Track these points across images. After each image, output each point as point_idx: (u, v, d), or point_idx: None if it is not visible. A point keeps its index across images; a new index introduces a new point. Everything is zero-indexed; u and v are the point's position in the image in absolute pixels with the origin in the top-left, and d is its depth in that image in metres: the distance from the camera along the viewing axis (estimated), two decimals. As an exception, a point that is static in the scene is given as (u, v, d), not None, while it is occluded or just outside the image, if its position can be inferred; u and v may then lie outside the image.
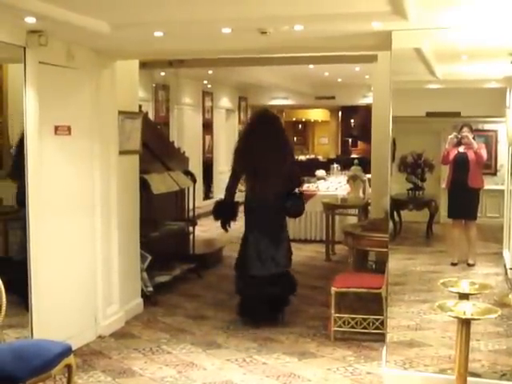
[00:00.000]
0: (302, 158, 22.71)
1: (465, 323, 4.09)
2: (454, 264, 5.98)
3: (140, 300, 7.08)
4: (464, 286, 4.55)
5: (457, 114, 5.93)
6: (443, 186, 6.12)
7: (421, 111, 5.94)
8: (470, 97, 5.83)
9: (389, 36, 4.92)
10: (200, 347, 5.92)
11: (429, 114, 6.00)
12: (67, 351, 4.16)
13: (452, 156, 5.92)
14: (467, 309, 4.08)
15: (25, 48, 4.93)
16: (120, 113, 6.47)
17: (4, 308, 4.23)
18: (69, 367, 4.20)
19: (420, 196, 6.30)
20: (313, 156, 23.37)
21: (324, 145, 25.05)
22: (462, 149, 5.87)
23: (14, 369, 3.77)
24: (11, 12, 4.37)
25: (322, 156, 23.27)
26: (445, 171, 6.06)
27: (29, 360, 3.89)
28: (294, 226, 11.28)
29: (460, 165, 5.91)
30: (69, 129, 5.66)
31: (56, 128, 5.49)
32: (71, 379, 4.26)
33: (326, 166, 16.68)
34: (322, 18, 4.63)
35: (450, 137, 5.87)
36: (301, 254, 10.37)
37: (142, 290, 7.18)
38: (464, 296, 4.51)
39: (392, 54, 5.07)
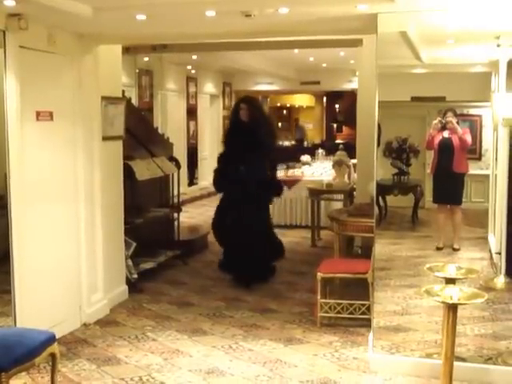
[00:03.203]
0: (286, 143, 22.70)
1: (452, 308, 4.08)
2: (439, 249, 5.99)
3: (125, 287, 7.03)
4: (450, 271, 4.55)
5: (442, 99, 5.92)
6: (428, 171, 6.12)
7: (406, 96, 5.93)
8: (455, 81, 5.83)
9: (374, 19, 4.87)
10: (185, 334, 5.89)
11: (414, 99, 5.99)
12: (51, 339, 4.13)
13: (436, 141, 5.92)
14: (454, 293, 4.07)
15: (4, 32, 4.84)
16: (103, 98, 6.39)
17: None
18: (53, 355, 4.17)
19: (405, 181, 6.29)
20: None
21: (309, 130, 25.03)
22: (446, 134, 5.86)
23: (-3, 358, 3.73)
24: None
25: (306, 141, 23.26)
26: (430, 156, 6.05)
27: (12, 349, 3.84)
28: (279, 212, 11.32)
29: (444, 150, 5.91)
30: (51, 114, 5.57)
31: (38, 113, 5.40)
32: (55, 368, 4.23)
33: (311, 151, 16.64)
34: (307, 0, 4.57)
35: (434, 122, 5.87)
36: (286, 239, 10.30)
37: (127, 277, 7.13)
38: (450, 281, 4.51)
39: (377, 38, 5.02)
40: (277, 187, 7.84)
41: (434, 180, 6.08)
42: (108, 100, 6.50)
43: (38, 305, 5.29)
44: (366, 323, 5.68)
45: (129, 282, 7.15)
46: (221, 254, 7.80)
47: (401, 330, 5.47)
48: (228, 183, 7.46)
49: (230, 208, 7.43)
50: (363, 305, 5.86)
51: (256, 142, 7.24)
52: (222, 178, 7.59)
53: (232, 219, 7.36)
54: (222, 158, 7.71)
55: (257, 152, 7.28)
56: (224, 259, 7.70)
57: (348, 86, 18.97)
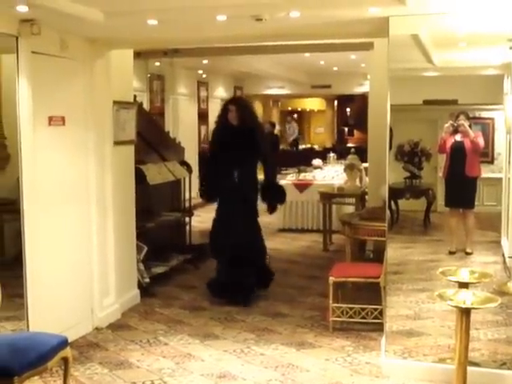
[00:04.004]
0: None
1: (465, 312, 4.06)
2: (451, 253, 5.95)
3: (136, 291, 7.04)
4: (464, 275, 4.52)
5: (454, 102, 5.88)
6: (440, 174, 6.08)
7: (418, 99, 5.90)
8: (468, 84, 5.79)
9: (386, 22, 4.86)
10: (197, 338, 5.88)
11: (426, 102, 5.95)
12: (63, 343, 4.14)
13: (448, 144, 5.88)
14: (467, 298, 4.05)
15: (17, 37, 4.87)
16: (115, 103, 6.41)
17: (0, 301, 4.18)
18: (65, 359, 4.18)
19: (417, 185, 6.26)
20: (309, 145, 23.32)
21: (320, 134, 25.00)
22: (458, 137, 5.83)
23: (10, 362, 3.74)
24: (2, 0, 4.29)
25: (318, 145, 23.23)
26: (442, 160, 6.02)
27: (25, 353, 3.86)
28: (290, 216, 11.31)
29: (457, 153, 5.87)
30: (63, 119, 5.59)
31: (50, 118, 5.42)
32: (68, 372, 4.25)
33: (322, 155, 16.62)
34: (319, 3, 4.57)
35: (445, 125, 5.83)
36: (298, 243, 10.38)
37: (139, 281, 7.14)
38: (464, 285, 4.48)
39: (389, 41, 5.01)
40: (280, 193, 7.29)
41: (447, 184, 6.04)
42: (120, 105, 6.51)
43: (51, 309, 5.30)
44: (379, 327, 5.65)
45: (141, 286, 7.15)
46: (214, 272, 7.23)
47: (413, 334, 5.43)
48: (221, 192, 6.94)
49: (227, 219, 6.88)
50: (375, 309, 5.84)
51: (249, 146, 6.74)
52: (211, 186, 7.05)
53: (230, 230, 6.83)
54: (208, 165, 7.21)
55: (250, 157, 6.85)
56: (217, 277, 7.08)
57: (359, 90, 18.97)
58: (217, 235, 7.01)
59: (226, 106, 6.98)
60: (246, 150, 6.73)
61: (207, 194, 7.20)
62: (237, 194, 6.80)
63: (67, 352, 4.17)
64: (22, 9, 4.48)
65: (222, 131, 6.98)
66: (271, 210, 7.27)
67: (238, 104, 6.95)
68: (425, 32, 5.15)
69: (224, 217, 6.95)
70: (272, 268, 7.44)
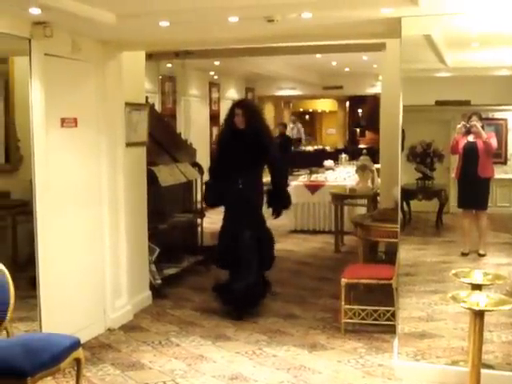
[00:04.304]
0: (309, 148, 22.67)
1: (478, 315, 4.03)
2: (464, 254, 5.91)
3: (148, 292, 7.05)
4: (477, 277, 4.49)
5: (467, 103, 5.85)
6: (453, 175, 6.05)
7: (430, 100, 5.87)
8: (480, 85, 5.76)
9: (398, 22, 4.85)
10: (209, 340, 5.88)
11: (438, 103, 5.93)
12: (76, 344, 4.15)
13: (461, 145, 5.85)
14: (481, 300, 4.02)
15: (30, 40, 4.90)
16: (127, 104, 6.43)
17: (13, 302, 4.19)
18: (78, 360, 4.20)
19: (429, 186, 6.24)
20: (320, 147, 23.30)
21: (331, 135, 24.99)
22: (471, 138, 5.79)
23: (23, 362, 3.76)
24: (15, 3, 4.31)
25: (329, 146, 23.20)
26: (454, 161, 5.99)
27: (38, 354, 3.87)
28: (302, 217, 11.30)
29: (469, 154, 5.84)
30: (75, 121, 5.61)
31: (62, 120, 5.45)
32: (80, 372, 4.26)
33: (334, 156, 16.59)
34: (331, 4, 4.56)
35: (458, 126, 5.80)
36: (309, 245, 10.36)
37: (151, 283, 7.15)
38: (477, 287, 4.46)
39: (401, 42, 5.00)
40: (285, 199, 7.02)
41: (459, 185, 6.01)
42: (131, 106, 6.53)
43: (63, 310, 5.32)
44: (391, 329, 5.63)
45: (153, 287, 7.17)
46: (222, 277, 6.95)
47: (426, 336, 5.41)
48: (226, 199, 6.69)
49: (233, 228, 6.60)
50: (388, 311, 5.82)
51: (255, 151, 6.48)
52: (214, 192, 6.81)
53: (238, 239, 6.53)
54: (213, 171, 6.88)
55: (255, 163, 6.59)
56: (226, 283, 6.75)
57: (371, 91, 18.92)
58: (224, 248, 6.71)
59: (232, 110, 6.69)
60: (252, 156, 6.49)
61: (210, 200, 7.03)
62: (241, 200, 6.53)
63: (80, 353, 4.19)
64: (35, 11, 4.50)
65: (227, 135, 6.72)
66: (276, 214, 7.00)
67: (245, 107, 6.68)
68: (437, 32, 5.13)
69: (229, 226, 6.67)
70: (269, 278, 7.05)
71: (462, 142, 5.83)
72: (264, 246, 6.70)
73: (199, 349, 5.66)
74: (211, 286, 6.95)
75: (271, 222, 7.05)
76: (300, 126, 22.40)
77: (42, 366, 3.82)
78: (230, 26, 5.21)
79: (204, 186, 7.11)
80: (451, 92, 5.82)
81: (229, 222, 6.70)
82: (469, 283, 4.53)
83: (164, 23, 5.11)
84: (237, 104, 6.77)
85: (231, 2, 4.56)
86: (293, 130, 21.25)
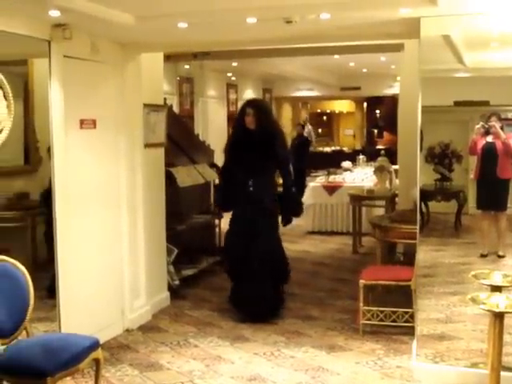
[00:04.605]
0: (327, 149, 22.64)
1: (498, 316, 4.00)
2: (483, 255, 5.87)
3: (167, 293, 7.07)
4: (497, 278, 4.46)
5: (485, 103, 5.81)
6: (471, 176, 6.02)
7: (448, 100, 5.84)
8: (499, 85, 5.71)
9: (417, 23, 4.83)
10: (227, 341, 5.88)
11: (457, 103, 5.89)
12: (95, 345, 4.17)
13: (480, 146, 5.81)
14: (500, 302, 3.99)
15: (49, 42, 4.93)
16: (145, 106, 6.45)
17: (32, 302, 4.22)
18: (97, 361, 4.21)
19: (448, 187, 6.20)
20: (338, 148, 23.26)
21: (349, 136, 24.93)
22: (490, 138, 5.75)
23: (43, 363, 3.79)
24: (35, 5, 4.34)
25: (347, 147, 23.16)
26: (473, 161, 5.95)
27: (57, 354, 3.90)
28: (319, 218, 11.29)
29: (488, 155, 5.80)
30: (94, 122, 5.64)
31: (81, 122, 5.48)
32: (99, 373, 4.28)
33: (352, 157, 16.55)
34: (350, 5, 4.56)
35: (476, 126, 5.76)
36: (327, 246, 10.35)
37: (169, 284, 7.17)
38: (496, 288, 4.42)
39: (420, 42, 4.97)
40: (296, 205, 6.79)
41: (478, 186, 5.97)
42: (150, 107, 6.55)
43: (82, 310, 5.35)
44: (409, 331, 5.61)
45: (171, 288, 7.19)
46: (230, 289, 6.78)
47: (445, 338, 5.37)
48: (236, 202, 6.52)
49: (242, 233, 6.41)
50: (406, 312, 5.79)
51: (266, 153, 6.32)
52: (225, 195, 6.69)
53: (246, 244, 6.37)
54: (224, 173, 6.78)
55: (267, 165, 6.40)
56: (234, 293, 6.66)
57: (389, 91, 18.86)
58: (231, 252, 6.62)
59: (243, 109, 6.53)
60: (263, 157, 6.32)
61: (221, 203, 6.93)
62: (252, 203, 6.35)
63: (99, 353, 4.20)
64: (54, 13, 4.53)
65: (238, 135, 6.58)
66: (285, 221, 6.72)
67: (256, 107, 6.49)
68: (456, 32, 5.10)
69: (237, 230, 6.50)
70: (285, 293, 6.84)
71: (481, 143, 5.79)
72: (276, 256, 6.49)
73: (217, 350, 5.67)
74: (226, 298, 6.80)
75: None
76: (310, 127, 22.30)
77: (61, 366, 3.85)
78: (248, 27, 5.21)
79: (217, 192, 6.98)
80: (470, 92, 5.79)
81: (236, 225, 6.53)
82: (488, 285, 4.50)
83: (182, 24, 5.13)
84: (248, 104, 6.62)
85: (250, 3, 4.58)
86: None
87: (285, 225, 6.75)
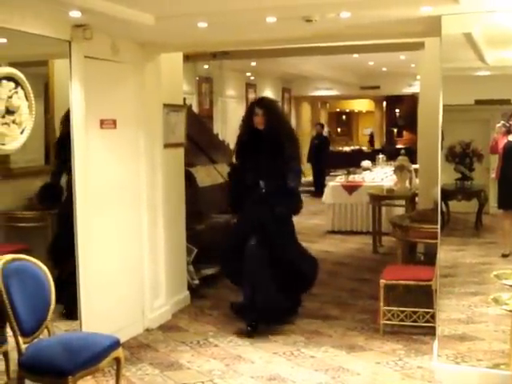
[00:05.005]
0: (346, 149, 22.59)
1: (521, 317, 3.96)
2: (505, 255, 5.82)
3: (186, 293, 7.09)
4: (519, 279, 4.42)
5: (507, 102, 5.75)
6: (493, 175, 5.96)
7: (469, 99, 5.79)
8: (522, 83, 5.66)
9: (438, 21, 4.79)
10: (247, 340, 5.88)
11: (478, 102, 5.84)
12: (116, 344, 4.19)
13: (501, 145, 5.76)
14: (523, 302, 3.96)
15: (70, 42, 4.95)
16: (165, 106, 6.47)
17: (54, 301, 4.24)
18: (117, 360, 4.23)
19: (469, 186, 6.15)
20: (357, 147, 23.21)
21: (368, 135, 24.85)
22: (511, 137, 5.71)
23: (64, 361, 3.81)
24: (56, 6, 4.37)
25: (366, 147, 23.09)
26: (494, 161, 5.90)
27: (78, 353, 3.91)
28: (339, 217, 11.27)
29: (510, 154, 5.75)
30: (114, 122, 5.67)
31: (102, 122, 5.50)
32: (120, 372, 4.29)
33: (371, 156, 16.50)
34: (370, 3, 4.54)
35: (497, 125, 5.72)
36: (347, 246, 10.32)
37: (189, 283, 7.18)
38: (519, 289, 4.39)
39: (441, 40, 4.93)
40: (293, 200, 6.23)
41: (499, 185, 5.92)
42: (169, 107, 6.57)
43: (103, 309, 5.37)
44: (430, 331, 5.57)
45: (190, 287, 7.20)
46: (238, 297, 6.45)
47: (466, 338, 5.33)
48: (245, 202, 6.20)
49: (247, 235, 6.07)
50: (427, 312, 5.75)
51: (277, 153, 6.03)
52: (237, 197, 6.34)
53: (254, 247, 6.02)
54: (232, 174, 6.54)
55: (278, 165, 6.05)
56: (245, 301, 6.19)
57: (408, 90, 18.79)
58: (230, 254, 6.27)
59: (251, 109, 6.26)
60: (274, 158, 6.03)
61: (233, 206, 6.58)
62: (263, 205, 6.04)
63: (119, 352, 4.22)
64: (75, 14, 4.55)
65: (247, 136, 6.26)
66: (276, 212, 6.08)
67: (266, 106, 6.20)
68: (478, 30, 5.05)
69: (242, 231, 6.17)
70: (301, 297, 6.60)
71: (502, 142, 5.74)
72: (295, 263, 6.21)
73: (237, 349, 5.67)
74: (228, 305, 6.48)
75: (307, 222, 6.99)
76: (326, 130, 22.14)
77: (82, 365, 3.87)
78: (267, 27, 5.21)
79: (228, 194, 6.59)
80: (491, 91, 5.73)
81: (242, 227, 6.25)
82: (510, 285, 4.46)
83: (202, 24, 5.13)
84: (257, 103, 6.35)
85: (270, 2, 4.57)
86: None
87: (273, 213, 6.07)
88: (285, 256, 6.13)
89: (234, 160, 6.59)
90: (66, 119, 5.60)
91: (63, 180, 5.75)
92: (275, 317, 6.17)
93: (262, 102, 6.35)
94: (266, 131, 6.12)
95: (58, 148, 5.95)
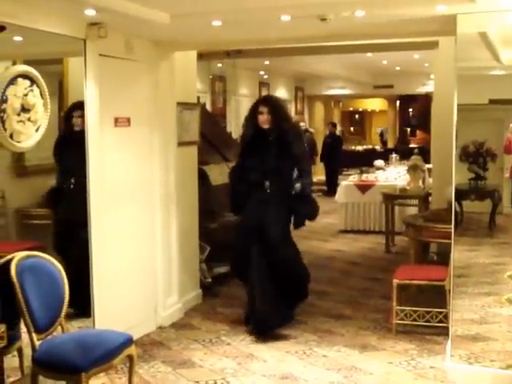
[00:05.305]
0: (359, 148, 22.55)
1: (535, 318, 3.95)
2: (518, 256, 5.82)
3: (199, 291, 7.10)
4: (533, 279, 4.40)
5: (522, 101, 5.75)
6: (506, 175, 5.95)
7: (483, 98, 5.78)
8: (537, 83, 5.65)
9: (453, 20, 4.77)
10: (259, 339, 5.88)
11: (492, 102, 5.83)
12: (129, 341, 4.20)
13: (515, 145, 5.76)
14: (537, 303, 3.94)
15: (85, 40, 4.97)
16: (178, 104, 6.48)
17: (67, 298, 4.27)
18: (130, 357, 4.24)
19: (482, 186, 6.14)
20: (370, 146, 23.16)
21: (379, 134, 24.80)
22: (525, 137, 5.70)
23: (77, 358, 3.83)
24: (72, 5, 4.39)
25: (379, 146, 23.04)
26: (508, 160, 5.89)
27: (91, 350, 3.93)
28: (352, 217, 11.25)
29: (524, 154, 5.75)
30: (128, 120, 5.68)
31: (116, 120, 5.52)
32: (132, 369, 4.31)
33: (384, 156, 16.47)
34: (385, 2, 4.53)
35: (511, 125, 5.70)
36: (359, 245, 10.30)
37: (201, 281, 7.19)
38: (533, 289, 4.37)
39: (457, 39, 4.91)
40: (310, 204, 6.08)
41: (514, 185, 5.92)
42: (183, 106, 6.58)
43: (116, 307, 5.39)
44: (443, 331, 5.55)
45: (203, 285, 7.21)
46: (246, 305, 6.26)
47: (479, 339, 5.31)
48: (249, 203, 6.02)
49: (252, 236, 5.92)
50: (440, 312, 5.73)
51: (283, 152, 5.87)
52: (239, 199, 6.14)
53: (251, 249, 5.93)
54: (235, 173, 6.27)
55: (284, 165, 5.91)
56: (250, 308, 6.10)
57: (422, 90, 18.73)
58: (238, 256, 6.15)
59: (256, 107, 6.03)
60: (280, 157, 5.86)
61: (234, 207, 6.35)
62: (267, 205, 5.87)
63: (132, 350, 4.23)
64: (90, 12, 4.57)
65: (251, 136, 6.03)
66: (297, 224, 6.09)
67: (271, 104, 5.99)
68: (493, 29, 5.03)
69: (246, 233, 6.01)
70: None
71: (516, 142, 5.73)
72: (291, 269, 6.01)
73: (249, 348, 5.67)
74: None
75: (319, 221, 6.96)
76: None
77: (95, 361, 3.88)
78: (282, 25, 5.21)
79: (231, 195, 6.33)
80: (506, 90, 5.72)
81: (245, 229, 6.05)
82: (525, 286, 4.45)
83: (216, 23, 5.13)
84: (261, 101, 6.16)
85: (284, 1, 4.56)
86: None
87: (296, 227, 6.14)
88: (282, 255, 5.90)
89: (237, 160, 6.34)
90: (67, 118, 5.62)
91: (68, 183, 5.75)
92: (268, 329, 5.93)
93: (267, 100, 6.22)
94: (272, 130, 5.93)
95: (58, 149, 5.72)
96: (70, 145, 5.56)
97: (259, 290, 5.89)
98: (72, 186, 5.65)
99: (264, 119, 5.91)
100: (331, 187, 16.24)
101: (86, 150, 5.04)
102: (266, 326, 5.90)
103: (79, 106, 5.25)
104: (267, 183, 5.90)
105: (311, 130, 18.51)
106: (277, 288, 5.93)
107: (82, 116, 5.12)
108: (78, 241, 5.37)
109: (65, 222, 5.69)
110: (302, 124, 17.43)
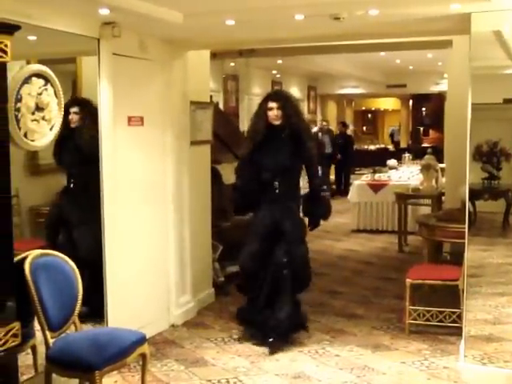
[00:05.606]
0: (371, 147, 22.49)
1: (550, 318, 3.92)
2: (532, 256, 5.78)
3: (212, 290, 7.11)
4: (548, 280, 4.37)
5: (536, 101, 5.71)
6: (520, 175, 5.93)
7: (497, 98, 5.74)
8: (551, 82, 5.62)
9: (467, 19, 4.75)
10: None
11: (506, 101, 5.79)
12: (142, 340, 4.21)
13: (529, 144, 5.72)
14: (552, 303, 3.91)
15: (99, 40, 5.00)
16: (192, 103, 6.48)
17: (81, 296, 4.28)
18: (143, 356, 4.25)
19: (496, 186, 6.11)
20: (382, 145, 23.09)
21: (389, 135, 24.73)
22: (540, 137, 5.66)
23: (91, 356, 3.84)
24: (86, 4, 4.40)
25: (391, 146, 22.97)
26: (522, 160, 5.86)
27: (105, 348, 3.94)
28: (365, 216, 11.23)
29: (538, 153, 5.72)
30: (141, 119, 5.70)
31: (129, 119, 5.54)
32: (145, 367, 4.32)
33: (397, 155, 16.41)
34: (399, 1, 4.52)
35: (525, 124, 5.68)
36: (372, 244, 10.28)
37: (214, 280, 7.20)
38: (548, 290, 4.34)
39: (471, 38, 4.89)
40: (323, 206, 5.97)
41: (527, 185, 5.88)
42: (196, 105, 6.59)
43: (129, 306, 5.40)
44: (456, 331, 5.53)
45: (215, 284, 7.22)
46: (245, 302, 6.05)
47: (493, 339, 5.29)
48: (256, 203, 5.79)
49: (265, 237, 5.69)
50: (453, 312, 5.71)
51: (293, 150, 5.62)
52: (245, 198, 5.89)
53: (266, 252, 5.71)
54: (241, 172, 5.92)
55: (294, 164, 5.69)
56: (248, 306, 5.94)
57: (435, 89, 18.65)
58: (251, 271, 5.84)
59: (265, 103, 5.69)
60: (290, 156, 5.61)
61: (240, 207, 6.17)
62: (277, 205, 5.65)
63: (145, 348, 4.24)
64: (104, 12, 4.59)
65: (260, 132, 5.67)
66: (313, 225, 5.94)
67: (281, 100, 5.64)
68: (508, 28, 5.00)
69: (260, 234, 5.73)
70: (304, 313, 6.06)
71: (530, 141, 5.70)
72: (297, 264, 5.69)
73: (262, 347, 5.66)
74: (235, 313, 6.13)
75: (332, 220, 6.94)
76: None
77: (109, 360, 3.90)
78: (295, 24, 5.20)
79: (234, 192, 6.09)
80: (520, 90, 5.69)
81: (260, 229, 5.75)
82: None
83: (230, 22, 5.14)
84: (271, 96, 5.78)
85: (298, 0, 4.56)
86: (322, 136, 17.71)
87: (312, 229, 5.99)
88: (300, 253, 5.67)
89: (244, 156, 5.92)
90: (65, 114, 5.32)
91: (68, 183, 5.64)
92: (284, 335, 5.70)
93: (277, 95, 5.82)
94: (284, 127, 5.61)
95: (57, 148, 5.33)
96: (66, 143, 5.33)
97: (277, 297, 5.64)
98: (72, 185, 5.62)
99: (274, 115, 5.59)
100: (341, 187, 16.23)
101: (99, 150, 5.05)
102: (286, 333, 5.67)
103: (77, 101, 5.23)
104: (276, 183, 5.64)
105: (331, 127, 18.31)
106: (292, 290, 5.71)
107: (79, 112, 5.11)
108: (71, 241, 5.42)
109: (63, 221, 5.64)
110: (324, 123, 17.40)
